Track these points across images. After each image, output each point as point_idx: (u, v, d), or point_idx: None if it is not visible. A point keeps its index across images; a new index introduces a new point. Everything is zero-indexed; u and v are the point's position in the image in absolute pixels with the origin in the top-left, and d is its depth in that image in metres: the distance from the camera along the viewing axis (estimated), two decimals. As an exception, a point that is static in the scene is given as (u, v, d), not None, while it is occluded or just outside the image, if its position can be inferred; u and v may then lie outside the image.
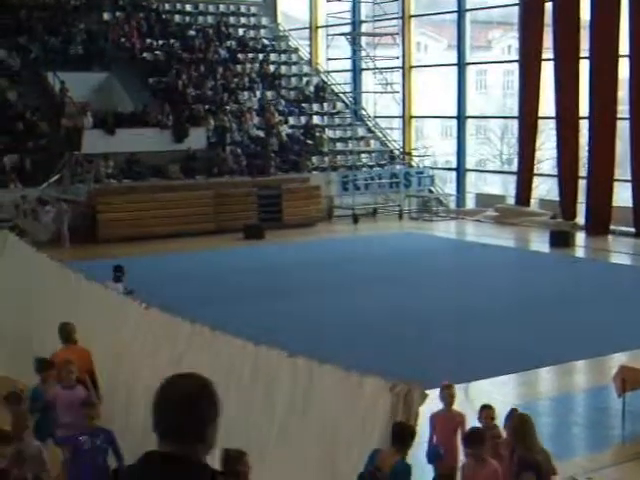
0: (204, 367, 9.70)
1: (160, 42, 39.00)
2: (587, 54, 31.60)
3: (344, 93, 42.29)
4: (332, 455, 7.98)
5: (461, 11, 38.19)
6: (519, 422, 8.86)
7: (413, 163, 39.85)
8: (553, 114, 33.19)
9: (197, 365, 9.80)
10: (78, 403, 9.84)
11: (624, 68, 30.75)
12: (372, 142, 40.23)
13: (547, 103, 33.76)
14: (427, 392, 7.89)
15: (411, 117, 41.44)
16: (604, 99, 30.84)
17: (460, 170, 38.90)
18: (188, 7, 42.41)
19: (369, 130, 40.93)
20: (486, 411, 9.65)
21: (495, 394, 14.28)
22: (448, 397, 9.95)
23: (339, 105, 41.29)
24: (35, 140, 32.02)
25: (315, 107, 40.08)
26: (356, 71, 43.03)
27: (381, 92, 40.30)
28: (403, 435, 8.11)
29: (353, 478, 7.69)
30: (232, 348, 9.44)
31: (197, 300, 19.78)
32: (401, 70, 40.73)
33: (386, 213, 36.54)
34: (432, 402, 13.06)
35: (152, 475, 3.56)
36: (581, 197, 32.44)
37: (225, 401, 9.38)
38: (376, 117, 41.52)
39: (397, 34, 40.54)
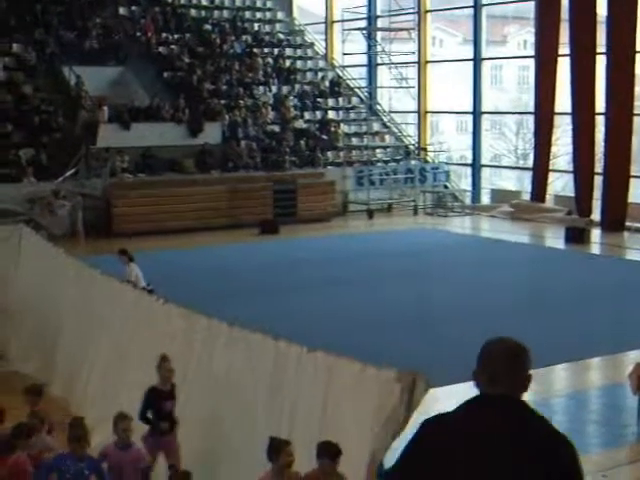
0: (222, 362, 9.76)
1: (176, 36, 39.04)
2: (604, 50, 31.50)
3: (359, 88, 42.26)
4: (344, 446, 7.98)
5: (477, 6, 38.06)
6: None
7: (428, 158, 39.80)
8: (569, 110, 33.10)
9: (216, 360, 9.84)
10: (131, 466, 8.92)
11: (641, 64, 30.69)
12: (387, 137, 40.20)
13: (563, 99, 33.67)
14: (431, 385, 7.88)
15: (426, 112, 41.37)
16: (620, 95, 30.74)
17: (475, 165, 38.83)
18: (204, 1, 42.40)
19: (384, 125, 40.89)
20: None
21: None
22: None
23: (354, 100, 41.25)
24: (51, 134, 32.11)
25: (330, 102, 40.05)
26: (371, 66, 42.98)
27: (396, 87, 40.37)
28: None
29: (361, 469, 7.73)
30: (251, 343, 9.45)
31: (213, 295, 19.82)
32: (416, 65, 40.67)
33: (401, 208, 36.51)
34: (444, 400, 13.09)
35: (489, 410, 4.13)
36: (597, 193, 32.36)
37: (247, 397, 9.41)
38: (391, 112, 41.53)
39: (413, 29, 40.48)
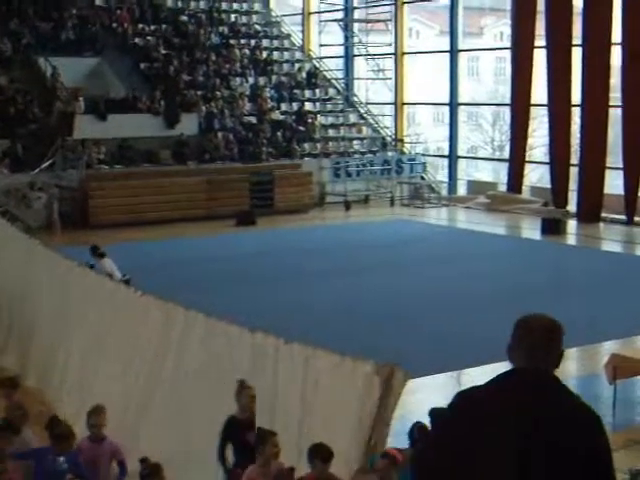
0: (200, 354, 9.75)
1: (152, 27, 38.89)
2: (579, 42, 31.59)
3: (336, 79, 42.23)
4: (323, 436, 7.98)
5: (454, -2, 38.08)
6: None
7: (405, 150, 39.85)
8: (545, 101, 33.20)
9: (193, 352, 9.83)
10: (106, 460, 8.85)
11: (616, 56, 30.76)
12: (364, 129, 40.21)
13: (539, 90, 33.76)
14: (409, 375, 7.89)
15: (403, 104, 41.39)
16: (596, 87, 30.83)
17: (452, 157, 38.89)
18: (180, -8, 42.29)
19: (361, 117, 40.89)
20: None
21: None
22: None
23: (331, 91, 41.22)
24: (26, 125, 31.93)
25: (307, 93, 40.01)
26: (348, 57, 42.95)
27: (373, 78, 40.34)
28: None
29: (340, 460, 7.74)
30: (228, 335, 9.45)
31: (190, 286, 19.76)
32: (393, 56, 40.67)
33: (378, 200, 36.54)
34: (422, 390, 13.16)
35: (522, 384, 4.17)
36: (573, 184, 32.48)
37: (225, 389, 9.38)
38: (368, 104, 41.51)
39: (389, 20, 40.47)
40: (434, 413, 7.90)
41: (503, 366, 13.90)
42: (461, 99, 39.25)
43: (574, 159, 32.66)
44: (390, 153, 38.91)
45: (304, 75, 40.86)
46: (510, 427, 3.98)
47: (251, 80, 38.82)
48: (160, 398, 10.00)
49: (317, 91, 40.45)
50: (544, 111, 34.00)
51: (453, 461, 4.06)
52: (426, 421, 8.26)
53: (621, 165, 31.05)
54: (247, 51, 40.36)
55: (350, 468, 7.74)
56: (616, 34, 30.53)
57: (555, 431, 3.97)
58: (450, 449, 4.10)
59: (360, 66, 42.61)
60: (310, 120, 38.05)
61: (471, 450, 4.02)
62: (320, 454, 7.54)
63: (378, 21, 40.73)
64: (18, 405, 9.22)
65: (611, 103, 31.35)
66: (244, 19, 42.88)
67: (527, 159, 35.84)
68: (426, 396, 12.43)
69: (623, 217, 30.69)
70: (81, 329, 12.41)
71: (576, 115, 32.41)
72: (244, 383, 8.76)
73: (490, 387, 4.20)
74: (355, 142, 39.00)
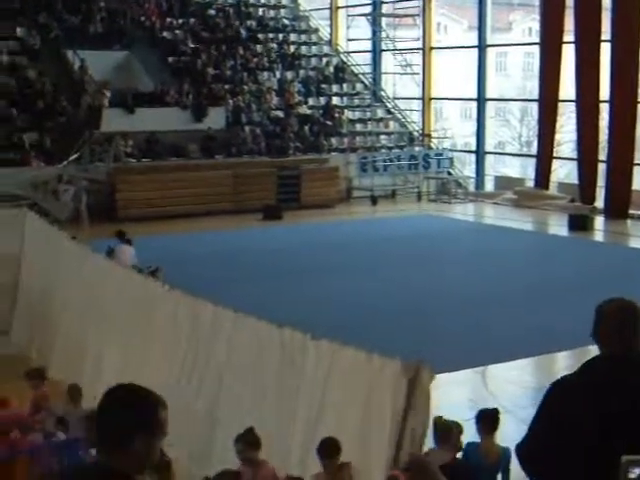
0: (227, 349, 9.76)
1: (180, 21, 38.98)
2: (608, 37, 31.42)
3: (364, 74, 42.19)
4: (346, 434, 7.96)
5: (482, -8, 37.95)
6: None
7: (432, 145, 39.73)
8: (573, 97, 33.03)
9: (220, 347, 9.84)
10: None
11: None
12: (391, 123, 40.15)
13: (567, 86, 33.61)
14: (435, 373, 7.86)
15: (430, 99, 41.28)
16: (625, 82, 30.67)
17: (479, 152, 38.77)
18: (208, -14, 42.32)
19: (388, 111, 40.82)
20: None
21: (513, 377, 14.32)
22: None
23: (358, 86, 41.19)
24: (54, 118, 32.07)
25: (335, 88, 40.00)
26: (376, 52, 42.88)
27: (401, 73, 40.27)
28: (496, 420, 8.11)
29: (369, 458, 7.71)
30: (256, 331, 9.44)
31: (216, 280, 19.85)
32: (421, 51, 40.59)
33: (405, 195, 36.48)
34: (446, 385, 13.14)
35: (608, 370, 4.24)
36: (600, 181, 32.33)
37: (250, 384, 9.37)
38: (395, 98, 41.42)
39: (417, 15, 40.40)
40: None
41: (529, 362, 13.80)
42: (489, 94, 39.10)
43: (602, 155, 32.50)
44: (417, 148, 38.84)
45: (332, 69, 40.85)
46: (607, 412, 3.98)
47: (278, 74, 38.84)
48: (191, 394, 10.03)
49: (344, 85, 40.44)
50: (572, 107, 33.85)
51: (557, 444, 4.10)
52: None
53: (649, 161, 30.89)
54: (275, 45, 40.39)
55: (381, 466, 7.71)
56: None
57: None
58: (555, 436, 4.13)
59: (388, 61, 42.52)
60: (337, 115, 38.03)
61: (574, 435, 4.03)
62: (325, 451, 7.49)
63: (406, 16, 40.68)
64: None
65: (640, 99, 31.20)
66: (272, 13, 42.89)
67: (555, 155, 35.65)
68: (450, 390, 12.42)
69: (651, 214, 30.54)
70: (106, 323, 12.46)
71: (604, 111, 32.25)
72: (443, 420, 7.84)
73: (581, 375, 4.28)
74: (382, 137, 38.96)
